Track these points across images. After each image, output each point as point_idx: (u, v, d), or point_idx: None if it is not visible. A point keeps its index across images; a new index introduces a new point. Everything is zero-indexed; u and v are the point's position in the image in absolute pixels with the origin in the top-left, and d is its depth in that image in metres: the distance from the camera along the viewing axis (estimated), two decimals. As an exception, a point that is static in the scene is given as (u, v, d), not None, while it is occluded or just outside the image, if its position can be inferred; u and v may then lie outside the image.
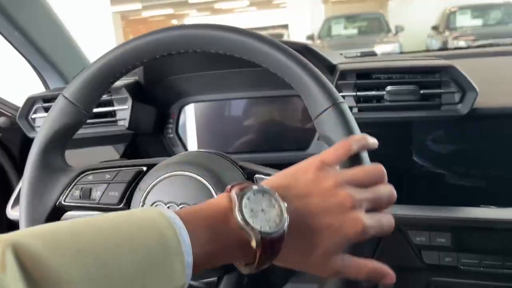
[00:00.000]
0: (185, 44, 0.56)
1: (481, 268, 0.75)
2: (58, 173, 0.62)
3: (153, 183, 0.57)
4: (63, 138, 0.62)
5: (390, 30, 8.72)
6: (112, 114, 0.90)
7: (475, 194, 0.82)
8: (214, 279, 0.62)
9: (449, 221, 0.75)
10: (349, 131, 0.52)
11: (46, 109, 0.90)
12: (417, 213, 0.76)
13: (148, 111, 0.94)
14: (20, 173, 1.22)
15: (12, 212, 0.88)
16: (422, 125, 0.80)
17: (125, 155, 1.01)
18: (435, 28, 8.37)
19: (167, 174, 0.57)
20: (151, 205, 0.57)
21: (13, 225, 1.19)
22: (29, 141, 1.21)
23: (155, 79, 0.92)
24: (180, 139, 1.00)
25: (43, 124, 0.61)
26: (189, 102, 0.98)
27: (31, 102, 0.90)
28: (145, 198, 0.57)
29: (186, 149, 1.00)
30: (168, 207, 0.56)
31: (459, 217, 0.74)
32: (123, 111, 0.89)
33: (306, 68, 0.54)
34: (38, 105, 0.90)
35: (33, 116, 0.91)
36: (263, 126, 0.97)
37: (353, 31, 9.18)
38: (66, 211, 0.63)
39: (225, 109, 0.98)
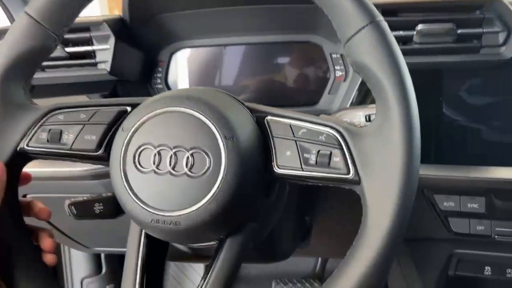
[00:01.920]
0: None
1: (519, 239, 0.65)
2: (19, 110, 0.49)
3: (140, 121, 0.45)
4: (27, 67, 0.49)
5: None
6: (91, 55, 0.76)
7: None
8: (214, 243, 0.51)
9: (483, 183, 0.65)
10: (390, 55, 0.41)
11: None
12: (445, 174, 0.66)
13: (134, 56, 0.81)
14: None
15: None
16: (455, 72, 0.69)
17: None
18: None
19: (158, 110, 0.45)
20: (137, 148, 0.45)
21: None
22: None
23: (143, 17, 0.79)
24: (169, 89, 0.87)
25: (0, 48, 0.48)
26: (182, 47, 0.85)
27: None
28: (130, 140, 0.45)
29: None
30: (159, 152, 0.44)
31: (495, 178, 0.64)
32: (104, 51, 0.75)
33: None
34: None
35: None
36: (267, 77, 0.85)
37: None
38: (30, 158, 0.50)
39: (223, 56, 0.85)
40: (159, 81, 0.87)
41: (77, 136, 0.49)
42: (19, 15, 0.48)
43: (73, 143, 0.49)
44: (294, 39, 0.82)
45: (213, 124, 0.44)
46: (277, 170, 0.45)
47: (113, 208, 0.60)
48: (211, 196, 0.43)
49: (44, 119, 0.49)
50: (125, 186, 0.45)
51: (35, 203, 0.54)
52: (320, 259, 1.35)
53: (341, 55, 0.80)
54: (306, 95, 0.84)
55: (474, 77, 0.68)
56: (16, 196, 0.50)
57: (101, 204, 0.59)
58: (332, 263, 1.37)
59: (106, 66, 0.75)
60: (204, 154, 0.44)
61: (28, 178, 0.55)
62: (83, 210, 0.56)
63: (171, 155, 0.44)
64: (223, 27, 0.82)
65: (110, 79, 0.77)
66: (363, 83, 0.77)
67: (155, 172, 0.44)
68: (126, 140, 0.45)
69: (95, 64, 0.76)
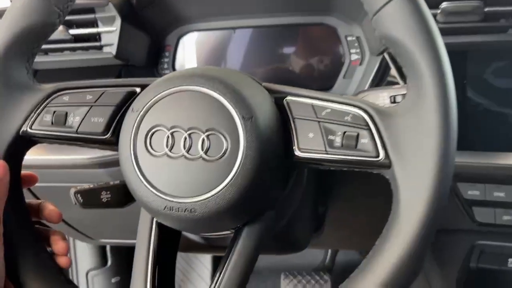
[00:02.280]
0: None
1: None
2: (22, 91, 0.46)
3: (151, 101, 0.42)
4: (29, 44, 0.46)
5: None
6: (96, 37, 0.73)
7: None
8: (229, 232, 0.48)
9: (510, 171, 0.61)
10: (425, 28, 0.38)
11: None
12: (470, 161, 0.62)
13: (140, 39, 0.78)
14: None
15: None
16: (481, 53, 0.65)
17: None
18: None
19: (171, 90, 0.42)
20: (149, 131, 0.42)
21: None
22: None
23: (150, -1, 0.75)
24: (178, 75, 0.84)
25: (1, 24, 0.45)
26: (190, 31, 0.82)
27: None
28: (141, 121, 0.42)
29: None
30: (172, 134, 0.41)
31: None
32: (110, 34, 0.72)
33: None
34: None
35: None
36: (279, 61, 0.81)
37: None
38: (34, 142, 0.47)
39: (233, 40, 0.82)
40: (166, 66, 0.83)
41: (83, 118, 0.45)
42: (20, -13, 0.45)
43: (79, 125, 0.45)
44: (307, 21, 0.78)
45: (230, 104, 0.40)
46: (299, 153, 0.42)
47: (121, 196, 0.57)
48: (229, 181, 0.40)
49: (48, 100, 0.46)
50: (135, 171, 0.42)
51: (45, 205, 0.50)
52: (330, 251, 1.32)
53: (357, 38, 0.77)
54: (319, 80, 0.80)
55: (501, 59, 0.65)
56: (20, 190, 0.47)
57: (108, 192, 0.56)
58: (343, 255, 1.34)
59: (112, 50, 0.72)
60: (221, 136, 0.40)
61: (34, 179, 0.51)
62: (89, 198, 0.53)
63: (185, 138, 0.41)
64: (233, 9, 0.79)
65: (115, 63, 0.74)
66: (379, 67, 0.74)
67: (168, 155, 0.41)
68: (137, 121, 0.42)
69: (100, 47, 0.73)
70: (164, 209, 0.41)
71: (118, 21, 0.71)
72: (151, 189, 0.41)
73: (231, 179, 0.40)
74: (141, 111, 0.42)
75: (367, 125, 0.40)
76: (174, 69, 0.83)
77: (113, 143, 0.46)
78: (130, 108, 0.43)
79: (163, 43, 0.82)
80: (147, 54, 0.80)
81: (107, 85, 0.47)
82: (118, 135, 0.45)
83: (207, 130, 0.40)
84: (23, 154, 0.48)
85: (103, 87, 0.47)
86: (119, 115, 0.46)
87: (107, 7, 0.71)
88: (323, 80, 0.80)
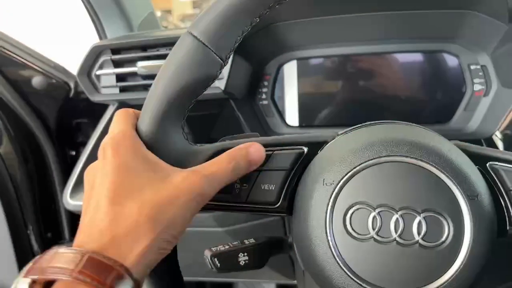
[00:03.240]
0: None
1: None
2: (182, 154, 0.40)
3: (349, 173, 0.36)
4: (188, 100, 0.40)
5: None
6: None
7: None
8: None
9: None
10: None
11: (117, 63, 0.67)
12: None
13: (245, 70, 0.72)
14: (58, 149, 1.01)
15: (72, 202, 0.66)
16: None
17: (194, 132, 0.78)
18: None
19: (373, 160, 0.36)
20: (348, 209, 0.35)
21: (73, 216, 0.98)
22: (67, 109, 1.00)
23: (258, 26, 0.69)
24: (276, 106, 0.78)
25: (162, 76, 0.39)
26: (291, 59, 0.76)
27: (96, 54, 0.66)
28: (336, 197, 0.36)
29: (283, 120, 0.78)
30: (379, 214, 0.35)
31: None
32: (220, 67, 0.66)
33: None
34: (105, 57, 0.67)
35: (98, 72, 0.67)
36: (391, 91, 0.74)
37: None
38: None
39: (339, 68, 0.75)
40: (264, 96, 0.77)
41: (252, 185, 0.39)
42: (182, 36, 0.39)
43: (248, 194, 0.39)
44: (426, 48, 0.72)
45: (451, 180, 0.34)
46: None
47: (259, 257, 0.52)
48: (455, 272, 0.33)
49: None
50: (333, 256, 0.35)
51: None
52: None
53: (482, 67, 0.70)
54: (436, 111, 0.74)
55: None
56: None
57: (246, 254, 0.51)
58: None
59: (221, 85, 0.66)
60: (441, 217, 0.34)
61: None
62: (227, 262, 0.48)
63: (397, 219, 0.34)
64: (341, 36, 0.72)
65: (222, 97, 0.68)
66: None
67: (375, 239, 0.35)
68: (332, 197, 0.36)
69: (206, 82, 0.67)
70: None
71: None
72: (355, 279, 0.35)
73: (458, 269, 0.33)
74: (337, 185, 0.36)
75: None
76: (273, 99, 0.77)
77: (283, 211, 0.40)
78: (321, 179, 0.37)
79: (262, 72, 0.76)
80: (248, 85, 0.74)
81: (273, 144, 0.41)
82: (290, 201, 0.39)
83: (423, 211, 0.34)
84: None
85: (269, 147, 0.40)
86: (289, 179, 0.40)
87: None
88: (440, 112, 0.73)
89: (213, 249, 0.48)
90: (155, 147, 0.38)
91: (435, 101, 0.73)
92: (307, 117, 0.77)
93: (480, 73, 0.70)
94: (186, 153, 0.40)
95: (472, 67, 0.70)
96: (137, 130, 0.39)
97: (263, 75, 0.77)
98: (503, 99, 0.67)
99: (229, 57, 0.41)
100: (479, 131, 0.70)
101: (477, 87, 0.71)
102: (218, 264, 0.47)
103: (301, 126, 0.77)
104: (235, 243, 0.50)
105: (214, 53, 0.39)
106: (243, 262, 0.50)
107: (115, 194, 0.33)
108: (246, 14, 0.38)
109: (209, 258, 0.47)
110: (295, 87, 0.76)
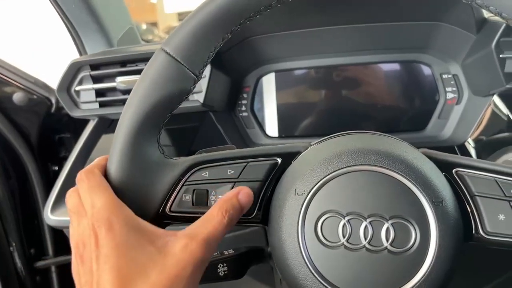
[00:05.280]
0: None
1: None
2: (157, 168, 0.41)
3: (319, 183, 0.37)
4: (163, 115, 0.41)
5: None
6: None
7: None
8: None
9: None
10: None
11: (96, 79, 0.67)
12: None
13: (224, 83, 0.73)
14: (40, 165, 1.01)
15: (53, 217, 0.66)
16: None
17: (175, 145, 0.79)
18: None
19: (342, 170, 0.37)
20: (320, 216, 0.37)
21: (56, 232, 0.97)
22: (48, 124, 1.00)
23: (235, 40, 0.70)
24: (255, 118, 0.79)
25: (136, 93, 0.40)
26: (269, 71, 0.77)
27: (75, 69, 0.67)
28: (308, 206, 0.37)
29: (264, 131, 0.79)
30: (349, 221, 0.36)
31: None
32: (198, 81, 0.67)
33: None
34: (84, 73, 0.67)
35: (78, 88, 0.68)
36: (367, 101, 0.76)
37: None
38: (170, 223, 0.42)
39: (317, 79, 0.77)
40: (243, 108, 0.79)
41: None
42: (155, 53, 0.40)
43: None
44: (399, 59, 0.74)
45: (416, 186, 0.35)
46: (487, 237, 0.37)
47: (238, 268, 0.53)
48: (422, 277, 0.34)
49: (186, 177, 0.41)
50: (306, 264, 0.36)
51: None
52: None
53: (454, 76, 0.72)
54: (411, 120, 0.75)
55: None
56: None
57: (225, 264, 0.51)
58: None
59: (199, 98, 0.67)
60: (407, 224, 0.35)
61: None
62: (207, 273, 0.48)
63: (366, 226, 0.36)
64: (318, 48, 0.74)
65: (201, 110, 0.69)
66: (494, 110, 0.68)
67: (345, 247, 0.36)
68: (304, 206, 0.37)
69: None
70: None
71: (208, 67, 0.66)
72: (327, 285, 0.36)
73: (425, 273, 0.34)
74: (307, 195, 0.37)
75: None
76: (252, 111, 0.78)
77: (258, 222, 0.41)
78: (293, 189, 0.38)
79: (241, 84, 0.78)
80: (227, 97, 0.75)
81: (248, 156, 0.42)
82: (266, 211, 0.40)
83: (391, 218, 0.35)
84: None
85: (243, 158, 0.42)
86: (264, 190, 0.41)
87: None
88: (415, 120, 0.75)
89: (192, 260, 0.49)
90: (131, 165, 0.39)
91: (411, 109, 0.75)
92: (286, 128, 0.79)
93: (452, 82, 0.72)
94: (162, 167, 0.41)
95: (444, 76, 0.72)
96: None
97: (243, 87, 0.78)
98: (474, 107, 0.69)
99: (202, 72, 0.42)
100: (452, 138, 0.71)
101: (449, 96, 0.73)
102: (198, 276, 0.48)
103: (280, 136, 0.79)
104: (214, 254, 0.51)
105: (187, 68, 0.40)
106: (223, 273, 0.51)
107: (121, 282, 0.32)
108: (217, 30, 0.40)
109: (189, 270, 0.48)
110: (274, 98, 0.78)
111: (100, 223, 0.34)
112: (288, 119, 0.78)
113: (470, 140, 0.69)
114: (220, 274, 0.51)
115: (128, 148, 0.39)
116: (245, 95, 0.78)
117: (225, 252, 0.52)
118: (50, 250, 1.06)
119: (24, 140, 1.00)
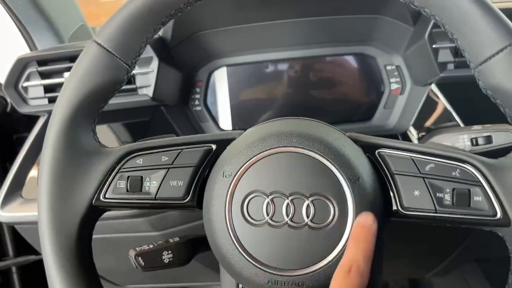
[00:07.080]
0: None
1: None
2: (91, 156, 0.42)
3: (245, 165, 0.39)
4: (96, 105, 0.42)
5: None
6: (131, 80, 0.69)
7: None
8: None
9: None
10: None
11: (43, 75, 0.68)
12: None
13: (175, 77, 0.74)
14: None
15: (3, 213, 0.66)
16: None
17: (127, 140, 0.79)
18: None
19: (266, 152, 0.39)
20: (245, 197, 0.38)
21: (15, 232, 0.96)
22: (5, 124, 0.99)
23: (184, 35, 0.72)
24: (209, 112, 0.80)
25: (68, 83, 0.41)
26: (220, 66, 0.79)
27: (22, 65, 0.67)
28: (235, 187, 0.39)
29: (217, 125, 0.80)
30: (272, 200, 0.38)
31: None
32: (146, 75, 0.68)
33: None
34: (32, 69, 0.68)
35: (25, 84, 0.68)
36: (317, 93, 0.79)
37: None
38: (107, 210, 0.43)
39: (266, 73, 0.79)
40: (197, 102, 0.80)
41: (161, 182, 0.42)
42: (87, 45, 0.41)
43: (157, 191, 0.42)
44: (346, 51, 0.76)
45: (334, 166, 0.37)
46: (403, 212, 0.39)
47: (183, 254, 0.54)
48: (341, 250, 0.36)
49: (120, 164, 0.42)
50: (233, 243, 0.38)
51: None
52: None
53: (397, 67, 0.75)
54: (359, 110, 0.78)
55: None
56: (92, 261, 0.43)
57: (170, 252, 0.52)
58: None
59: (148, 91, 0.68)
60: (326, 200, 0.37)
61: None
62: (151, 260, 0.49)
63: (287, 204, 0.38)
64: (267, 42, 0.76)
65: (151, 104, 0.70)
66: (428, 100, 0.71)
67: (269, 224, 0.38)
68: (230, 187, 0.39)
69: (135, 90, 0.69)
70: (268, 283, 0.37)
71: (155, 62, 0.67)
72: (252, 261, 0.37)
73: (343, 247, 0.36)
74: (234, 176, 0.39)
75: (478, 181, 0.37)
76: (205, 105, 0.80)
77: (193, 206, 0.42)
78: (221, 172, 0.39)
79: (193, 79, 0.79)
80: (179, 92, 0.76)
81: (182, 143, 0.43)
82: (199, 197, 0.41)
83: (311, 195, 0.37)
84: (95, 222, 0.43)
85: (178, 146, 0.43)
86: (198, 175, 0.42)
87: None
88: (362, 110, 0.78)
89: (137, 248, 0.50)
90: (64, 153, 0.40)
91: (359, 101, 0.78)
92: (239, 121, 0.80)
93: (396, 73, 0.75)
94: (97, 155, 0.42)
95: (388, 67, 0.75)
96: None
97: (195, 82, 0.79)
98: (415, 96, 0.73)
99: (135, 62, 0.43)
100: (397, 127, 0.75)
101: (393, 86, 0.76)
102: (142, 263, 0.49)
103: (234, 130, 0.80)
104: (159, 242, 0.52)
105: (119, 58, 0.41)
106: (167, 260, 0.52)
107: None
108: (148, 21, 0.41)
109: (133, 258, 0.49)
110: (226, 92, 0.79)
111: None
112: (241, 113, 0.80)
113: (411, 128, 0.72)
114: (165, 261, 0.52)
115: (61, 137, 0.40)
116: (198, 90, 0.79)
117: (170, 240, 0.53)
118: (10, 251, 1.05)
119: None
